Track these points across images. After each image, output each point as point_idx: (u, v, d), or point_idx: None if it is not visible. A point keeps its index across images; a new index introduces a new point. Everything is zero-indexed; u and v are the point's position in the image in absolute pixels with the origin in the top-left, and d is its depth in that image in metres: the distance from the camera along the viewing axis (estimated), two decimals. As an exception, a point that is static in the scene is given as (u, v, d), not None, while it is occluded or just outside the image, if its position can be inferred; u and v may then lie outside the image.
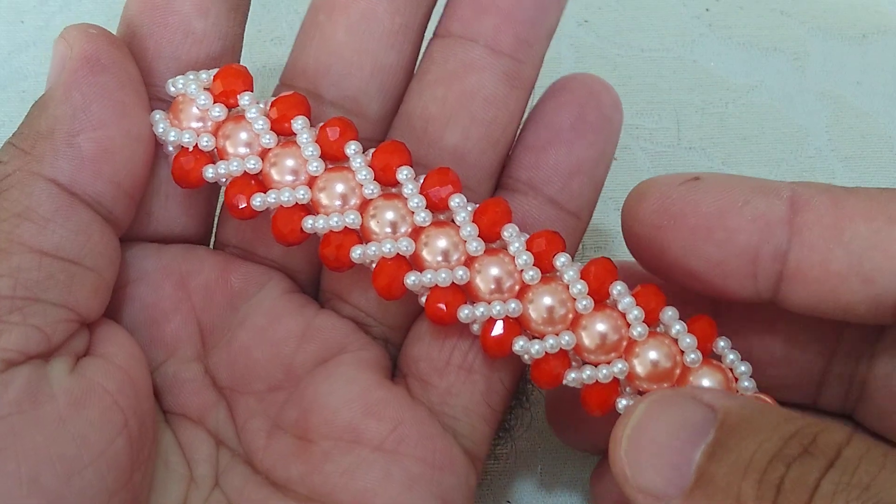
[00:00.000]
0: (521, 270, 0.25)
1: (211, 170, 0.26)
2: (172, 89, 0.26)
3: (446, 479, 0.26)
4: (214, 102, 0.26)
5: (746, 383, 0.25)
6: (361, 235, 0.26)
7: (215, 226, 0.29)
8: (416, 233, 0.26)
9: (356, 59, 0.28)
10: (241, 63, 0.28)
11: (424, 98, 0.28)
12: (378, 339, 0.28)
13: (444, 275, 0.25)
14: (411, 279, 0.25)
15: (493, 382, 0.27)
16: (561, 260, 0.25)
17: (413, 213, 0.25)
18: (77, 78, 0.25)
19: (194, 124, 0.26)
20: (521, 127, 0.29)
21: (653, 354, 0.25)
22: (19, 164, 0.24)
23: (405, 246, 0.25)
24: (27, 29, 0.38)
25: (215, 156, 0.26)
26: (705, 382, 0.25)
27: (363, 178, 0.26)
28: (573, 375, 0.25)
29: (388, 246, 0.25)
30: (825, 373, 0.27)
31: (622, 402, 0.25)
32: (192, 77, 0.26)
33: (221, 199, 0.28)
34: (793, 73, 0.39)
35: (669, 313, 0.25)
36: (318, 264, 0.28)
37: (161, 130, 0.26)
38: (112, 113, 0.25)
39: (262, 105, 0.26)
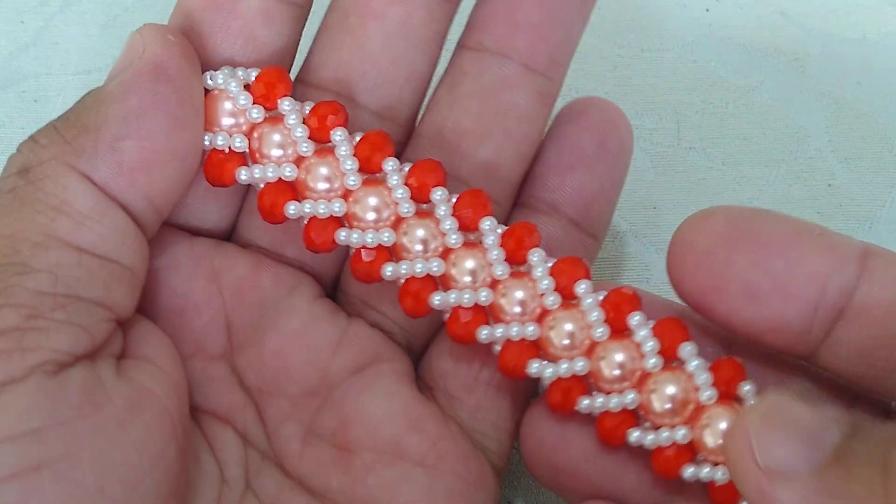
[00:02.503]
0: (542, 295, 0.25)
1: (245, 172, 0.26)
2: (210, 83, 0.26)
3: (480, 496, 0.26)
4: (254, 103, 0.26)
5: None
6: (392, 251, 0.26)
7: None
8: (445, 252, 0.26)
9: (392, 68, 0.28)
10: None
11: (457, 111, 0.28)
12: (402, 345, 0.28)
13: (467, 296, 0.25)
14: (436, 300, 0.25)
15: (519, 399, 0.27)
16: (582, 287, 0.25)
17: (444, 234, 0.25)
18: (139, 82, 0.24)
19: (225, 121, 0.26)
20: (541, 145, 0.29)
21: (670, 389, 0.24)
22: (57, 151, 0.24)
23: (435, 266, 0.25)
24: (27, 29, 0.38)
25: (247, 156, 0.26)
26: (721, 423, 0.24)
27: (399, 196, 0.26)
28: (586, 402, 0.25)
29: (420, 266, 0.25)
30: None
31: (634, 435, 0.25)
32: (228, 72, 0.26)
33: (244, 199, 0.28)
34: (793, 73, 0.39)
35: (688, 348, 0.25)
36: (340, 268, 0.28)
37: None
38: (164, 126, 0.24)
39: (300, 108, 0.26)
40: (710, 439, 0.24)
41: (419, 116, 0.29)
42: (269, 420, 0.26)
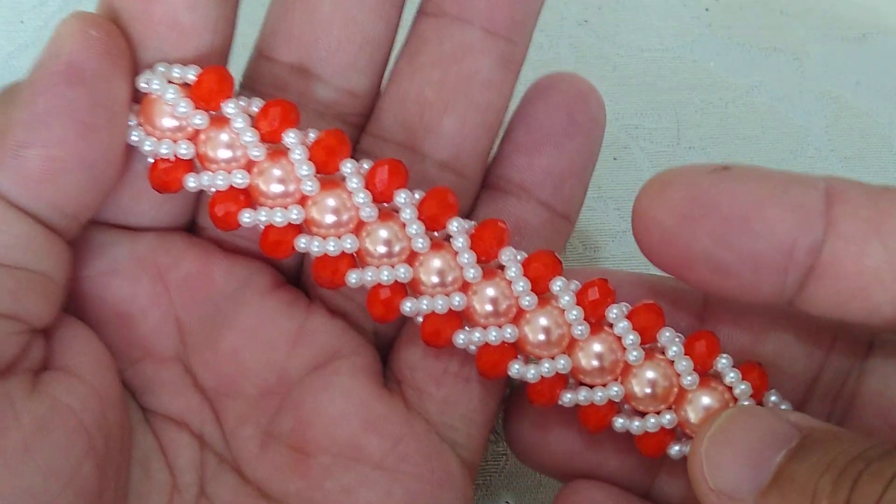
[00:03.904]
0: (518, 297, 0.25)
1: (193, 180, 0.24)
2: (144, 85, 0.24)
3: (445, 496, 0.25)
4: (196, 108, 0.24)
5: (745, 402, 0.25)
6: (357, 256, 0.25)
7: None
8: (412, 256, 0.25)
9: (345, 33, 0.26)
10: (230, 53, 0.26)
11: (419, 81, 0.27)
12: (367, 333, 0.27)
13: (440, 302, 0.25)
14: (407, 306, 0.25)
15: (489, 389, 0.27)
16: (557, 285, 0.25)
17: (410, 238, 0.25)
18: (50, 84, 0.22)
19: (167, 123, 0.24)
20: (506, 125, 0.28)
21: (650, 374, 0.24)
22: None
23: (402, 273, 0.25)
24: (27, 29, 0.38)
25: (196, 162, 0.25)
26: (704, 402, 0.24)
27: (361, 200, 0.24)
28: (569, 397, 0.25)
29: (386, 274, 0.24)
30: (810, 388, 0.26)
31: (619, 422, 0.25)
32: (162, 70, 0.24)
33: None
34: (793, 73, 0.39)
35: (667, 335, 0.25)
36: (300, 255, 0.27)
37: (136, 139, 0.24)
38: (71, 133, 0.22)
39: (244, 104, 0.24)
40: (692, 415, 0.25)
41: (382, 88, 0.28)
42: (226, 422, 0.26)
